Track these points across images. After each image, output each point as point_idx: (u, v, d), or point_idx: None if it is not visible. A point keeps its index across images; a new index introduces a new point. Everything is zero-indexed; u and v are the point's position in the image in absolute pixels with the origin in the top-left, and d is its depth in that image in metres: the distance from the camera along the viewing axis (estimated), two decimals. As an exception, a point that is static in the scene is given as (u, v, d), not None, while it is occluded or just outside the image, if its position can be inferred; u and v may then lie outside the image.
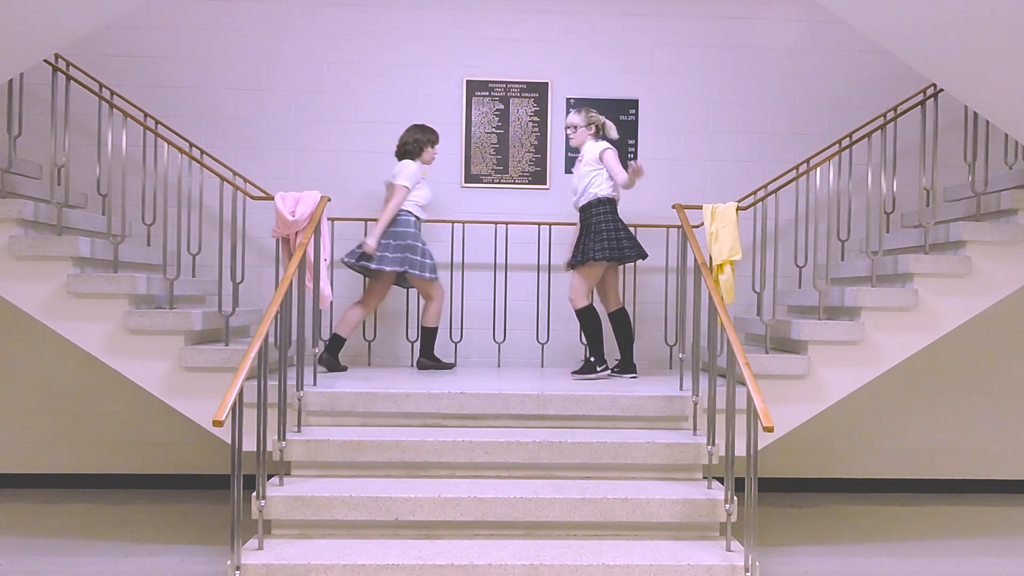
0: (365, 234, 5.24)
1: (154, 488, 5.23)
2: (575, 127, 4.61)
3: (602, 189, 4.49)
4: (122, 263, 4.30)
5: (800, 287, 4.88)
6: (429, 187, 4.85)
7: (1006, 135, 4.46)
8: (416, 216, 4.75)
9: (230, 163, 5.11)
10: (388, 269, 4.61)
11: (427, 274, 4.68)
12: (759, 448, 3.25)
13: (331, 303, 4.99)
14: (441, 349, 5.29)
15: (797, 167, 4.81)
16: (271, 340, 3.75)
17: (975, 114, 4.32)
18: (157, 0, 5.24)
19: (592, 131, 4.60)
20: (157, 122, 4.76)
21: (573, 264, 4.56)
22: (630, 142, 5.41)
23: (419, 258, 4.67)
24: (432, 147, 4.85)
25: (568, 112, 4.61)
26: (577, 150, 4.79)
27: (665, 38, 5.43)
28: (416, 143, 4.80)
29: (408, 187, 4.68)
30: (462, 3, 5.37)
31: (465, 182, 5.36)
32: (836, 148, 4.81)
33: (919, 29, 3.41)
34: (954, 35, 3.31)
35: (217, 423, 2.86)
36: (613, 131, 4.63)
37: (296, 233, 4.04)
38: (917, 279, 4.08)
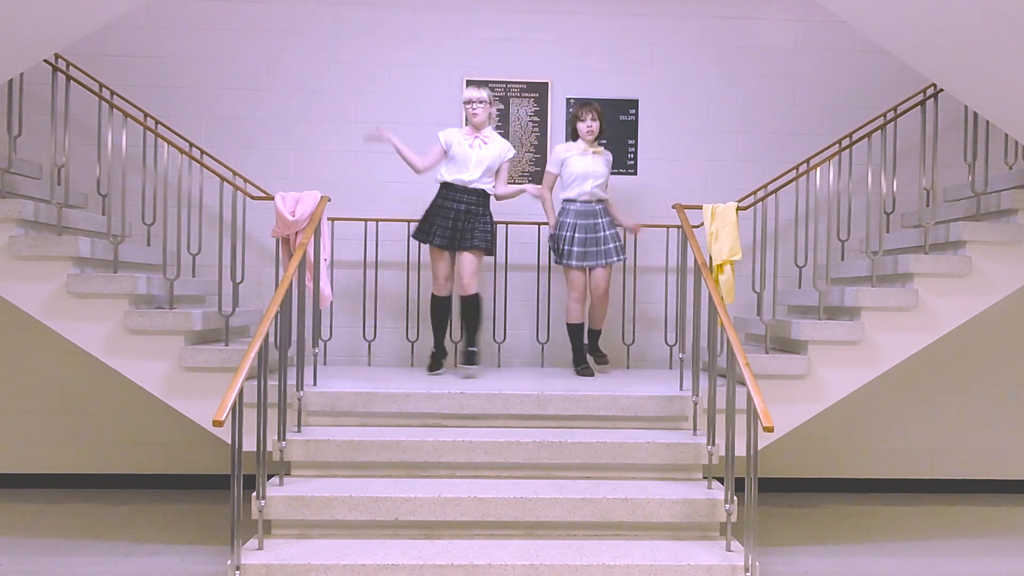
0: (365, 234, 5.26)
1: (154, 488, 5.23)
2: (483, 102, 4.56)
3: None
4: (122, 263, 4.30)
5: (800, 287, 4.87)
6: (582, 161, 4.66)
7: (1006, 135, 4.46)
8: (569, 202, 4.67)
9: (230, 163, 5.11)
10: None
11: (560, 262, 4.68)
12: (759, 448, 3.25)
13: (331, 303, 4.99)
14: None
15: (797, 167, 4.81)
16: (271, 340, 3.75)
17: (975, 114, 4.32)
18: (157, 0, 5.24)
19: (491, 111, 4.65)
20: (157, 122, 4.76)
21: (471, 247, 4.50)
22: (630, 142, 5.41)
23: (557, 248, 4.69)
24: (579, 122, 4.68)
25: (478, 89, 4.56)
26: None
27: (665, 38, 5.43)
28: (570, 121, 4.77)
29: (551, 172, 4.77)
30: (462, 3, 5.37)
31: (465, 182, 5.35)
32: (836, 148, 4.82)
33: (919, 29, 3.41)
34: (954, 35, 3.31)
35: (217, 423, 2.86)
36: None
37: (296, 233, 4.04)
38: (917, 279, 4.08)
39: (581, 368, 4.70)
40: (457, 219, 4.53)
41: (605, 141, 4.78)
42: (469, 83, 4.66)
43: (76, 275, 3.89)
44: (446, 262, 4.58)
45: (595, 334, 4.85)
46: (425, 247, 5.26)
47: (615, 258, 4.63)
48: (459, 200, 4.55)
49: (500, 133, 5.36)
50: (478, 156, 4.55)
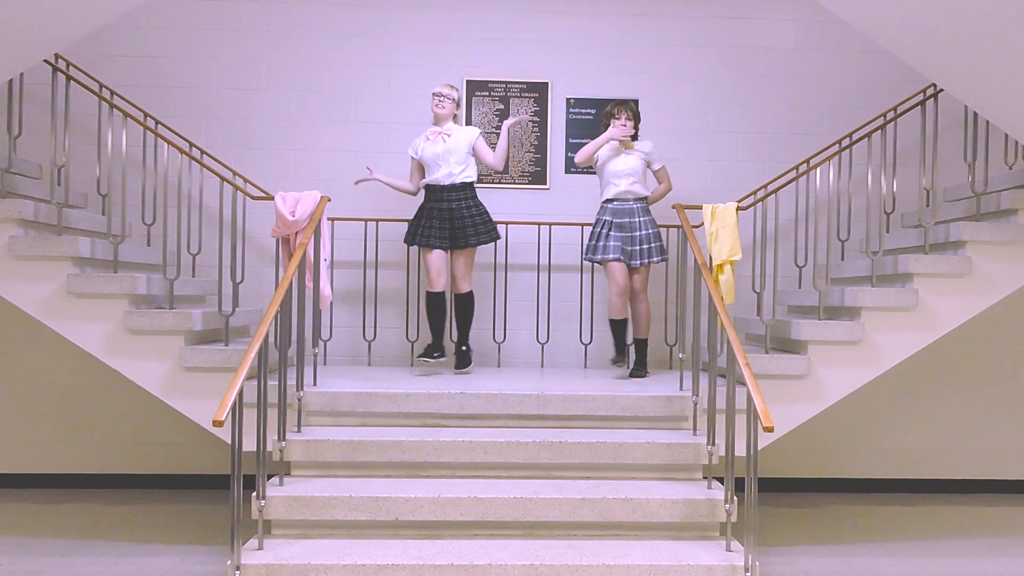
0: (365, 234, 5.26)
1: (154, 488, 5.23)
2: (451, 100, 4.64)
3: (474, 173, 4.68)
4: (122, 263, 4.30)
5: (800, 287, 4.87)
6: (615, 162, 4.59)
7: (1006, 135, 4.46)
8: (607, 201, 4.60)
9: (230, 163, 5.11)
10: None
11: (589, 256, 4.61)
12: (759, 448, 3.25)
13: (331, 303, 4.98)
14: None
15: (797, 167, 4.81)
16: (271, 340, 3.75)
17: (975, 114, 4.32)
18: (157, 0, 5.24)
19: (456, 112, 4.72)
20: (157, 122, 4.76)
21: (467, 246, 4.58)
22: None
23: (588, 244, 4.64)
24: (614, 119, 4.59)
25: (451, 88, 4.67)
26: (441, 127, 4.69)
27: (665, 38, 5.43)
28: (604, 119, 4.68)
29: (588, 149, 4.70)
30: (462, 3, 5.37)
31: (465, 182, 5.35)
32: (836, 148, 4.81)
33: (919, 29, 3.41)
34: (954, 35, 3.31)
35: (217, 423, 2.86)
36: None
37: (296, 233, 4.04)
38: (917, 279, 4.08)
39: (615, 359, 4.57)
40: (449, 219, 4.57)
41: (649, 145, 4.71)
42: (446, 84, 4.71)
43: (76, 275, 3.89)
44: (438, 257, 4.58)
45: (638, 344, 4.68)
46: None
47: (652, 259, 4.52)
48: (445, 199, 4.59)
49: (499, 134, 5.35)
50: (445, 147, 4.59)
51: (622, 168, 4.59)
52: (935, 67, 3.71)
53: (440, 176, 4.60)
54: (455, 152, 4.59)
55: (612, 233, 4.54)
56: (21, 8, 3.19)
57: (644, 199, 4.63)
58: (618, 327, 4.58)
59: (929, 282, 4.08)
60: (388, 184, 4.79)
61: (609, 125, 4.64)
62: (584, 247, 4.79)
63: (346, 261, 5.27)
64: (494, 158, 4.65)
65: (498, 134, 5.36)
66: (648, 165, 4.68)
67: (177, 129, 5.02)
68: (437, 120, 4.69)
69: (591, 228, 4.70)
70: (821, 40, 5.44)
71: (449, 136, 4.61)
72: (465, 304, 4.67)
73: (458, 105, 4.71)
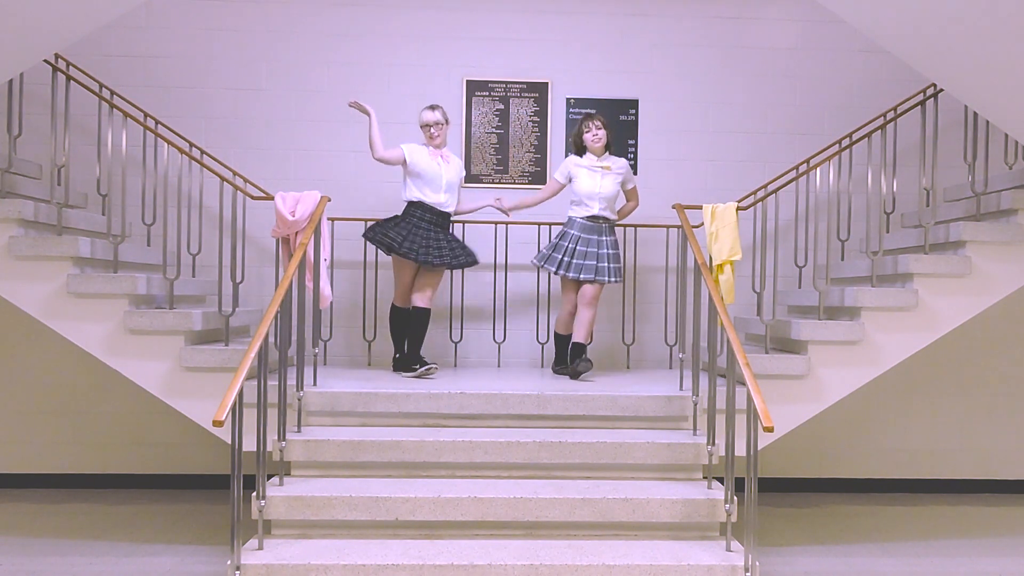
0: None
1: (154, 488, 5.23)
2: (441, 124, 4.55)
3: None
4: (122, 263, 4.30)
5: (800, 287, 4.87)
6: (590, 180, 4.50)
7: (1006, 135, 4.46)
8: (575, 216, 4.55)
9: (230, 163, 5.11)
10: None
11: (550, 270, 4.57)
12: (759, 448, 3.25)
13: (331, 303, 4.98)
14: (441, 348, 5.30)
15: (797, 167, 4.81)
16: (271, 340, 3.75)
17: (975, 114, 4.32)
18: (157, 0, 5.24)
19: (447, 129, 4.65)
20: (157, 122, 4.76)
21: (443, 264, 4.49)
22: (630, 142, 5.41)
23: (548, 253, 4.57)
24: (585, 133, 4.53)
25: (433, 112, 4.55)
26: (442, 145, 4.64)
27: (665, 38, 5.43)
28: (576, 135, 4.62)
29: (556, 180, 4.65)
30: (462, 3, 5.37)
31: (465, 182, 5.33)
32: (836, 148, 4.81)
33: (919, 28, 3.41)
34: (954, 35, 3.31)
35: (217, 423, 2.86)
36: None
37: (296, 233, 4.04)
38: (917, 279, 4.08)
39: (558, 368, 4.74)
40: (428, 234, 4.51)
41: (628, 159, 4.68)
42: (427, 107, 4.60)
43: (76, 275, 3.89)
44: (411, 272, 4.57)
45: (577, 348, 4.47)
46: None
47: (608, 278, 4.46)
48: (426, 219, 4.54)
49: (500, 134, 5.37)
50: (448, 179, 4.56)
51: (598, 191, 4.51)
52: (935, 67, 3.71)
53: (440, 201, 4.55)
54: (452, 182, 4.58)
55: (579, 249, 4.49)
56: (21, 8, 3.19)
57: (611, 221, 4.61)
58: (563, 341, 4.73)
59: (929, 282, 4.08)
60: (371, 125, 4.49)
61: (582, 138, 4.56)
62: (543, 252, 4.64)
63: (346, 261, 5.27)
64: (459, 206, 4.73)
65: (498, 134, 5.37)
66: (623, 185, 4.64)
67: (177, 129, 5.02)
68: (436, 148, 4.60)
69: (554, 238, 4.60)
70: (821, 40, 5.44)
71: (447, 163, 4.59)
72: (422, 319, 4.51)
73: (448, 123, 4.63)
